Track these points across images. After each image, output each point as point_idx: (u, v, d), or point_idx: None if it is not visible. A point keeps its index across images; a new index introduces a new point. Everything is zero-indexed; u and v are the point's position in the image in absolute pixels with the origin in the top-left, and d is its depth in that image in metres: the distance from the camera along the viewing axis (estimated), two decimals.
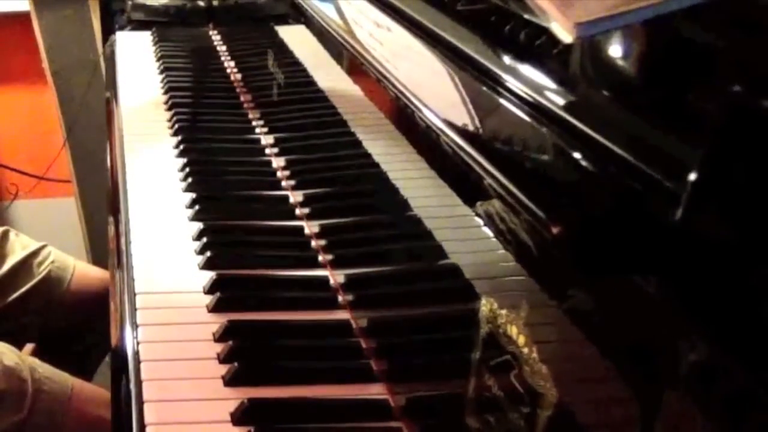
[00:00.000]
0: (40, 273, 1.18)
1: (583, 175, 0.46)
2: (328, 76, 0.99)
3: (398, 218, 0.73)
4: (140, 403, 0.65)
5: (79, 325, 1.20)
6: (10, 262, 1.17)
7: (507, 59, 0.61)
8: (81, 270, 1.23)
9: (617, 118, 0.48)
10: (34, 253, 1.19)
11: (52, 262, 1.20)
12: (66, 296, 1.19)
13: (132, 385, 0.68)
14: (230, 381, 0.68)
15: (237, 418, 0.64)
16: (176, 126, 1.16)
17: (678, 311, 0.35)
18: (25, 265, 1.18)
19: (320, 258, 0.86)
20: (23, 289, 1.16)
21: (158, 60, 1.41)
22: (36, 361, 0.99)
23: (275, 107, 1.18)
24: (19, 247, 1.19)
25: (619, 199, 0.43)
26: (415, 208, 0.68)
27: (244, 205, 0.98)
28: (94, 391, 1.04)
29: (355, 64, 0.84)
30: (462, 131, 0.57)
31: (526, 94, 0.54)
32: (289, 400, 0.67)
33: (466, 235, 0.57)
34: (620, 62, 0.48)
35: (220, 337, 0.73)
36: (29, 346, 1.20)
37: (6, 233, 1.19)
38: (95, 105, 1.67)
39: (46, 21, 1.76)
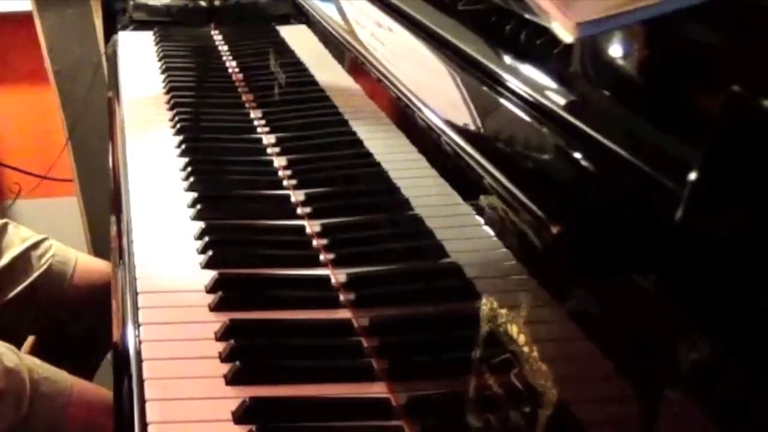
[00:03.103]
0: (42, 266, 1.17)
1: (583, 175, 0.46)
2: (330, 75, 0.99)
3: (399, 217, 0.73)
4: (142, 402, 0.65)
5: (81, 319, 1.19)
6: (9, 255, 1.16)
7: (508, 59, 0.61)
8: (83, 263, 1.22)
9: (617, 118, 0.48)
10: (35, 246, 1.18)
11: (53, 255, 1.18)
12: (68, 290, 1.18)
13: (134, 384, 0.68)
14: (232, 380, 0.68)
15: (238, 416, 0.64)
16: (178, 125, 1.16)
17: (678, 311, 0.35)
18: (25, 257, 1.16)
19: (321, 257, 0.86)
20: (25, 283, 1.15)
21: (160, 60, 1.41)
22: (36, 361, 0.99)
23: (277, 107, 1.18)
24: (18, 240, 1.18)
25: (619, 199, 0.44)
26: (416, 207, 0.69)
27: (246, 204, 0.99)
28: (94, 391, 1.03)
29: (356, 63, 0.84)
30: (462, 131, 0.57)
31: (527, 93, 0.54)
32: (291, 399, 0.67)
33: (467, 234, 0.58)
34: (620, 62, 0.49)
35: (221, 336, 0.73)
36: (30, 339, 1.19)
37: (5, 226, 1.18)
38: (97, 105, 1.67)
39: (49, 21, 1.76)
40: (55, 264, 1.18)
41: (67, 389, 0.98)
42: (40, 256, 1.17)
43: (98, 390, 1.04)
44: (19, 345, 1.03)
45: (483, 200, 0.53)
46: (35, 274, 1.16)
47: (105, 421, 0.97)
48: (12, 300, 1.15)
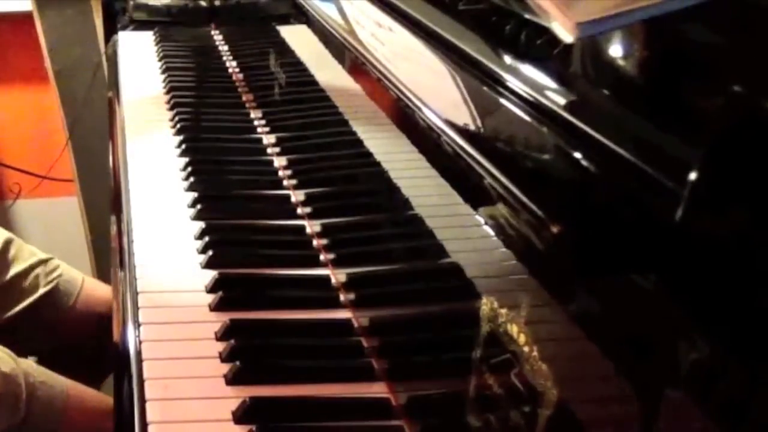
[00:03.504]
0: (48, 284, 1.16)
1: (584, 175, 0.46)
2: (330, 75, 0.99)
3: (399, 217, 0.73)
4: (142, 402, 0.65)
5: (83, 340, 1.19)
6: (16, 269, 1.15)
7: (508, 59, 0.61)
8: (89, 286, 1.21)
9: (618, 118, 0.48)
10: (42, 262, 1.18)
11: (60, 275, 1.18)
12: (72, 310, 1.18)
13: (134, 384, 0.68)
14: (232, 380, 0.68)
15: (238, 416, 0.64)
16: (178, 125, 1.16)
17: (678, 311, 0.36)
18: (32, 273, 1.16)
19: (321, 257, 0.86)
20: (30, 299, 1.15)
21: (160, 60, 1.41)
22: (32, 365, 0.98)
23: (277, 107, 1.18)
24: (27, 253, 1.18)
25: (619, 199, 0.44)
26: (416, 207, 0.69)
27: (246, 204, 0.99)
28: (91, 395, 1.03)
29: (356, 63, 0.84)
30: (462, 131, 0.57)
31: (527, 93, 0.54)
32: (291, 398, 0.67)
33: (467, 234, 0.58)
34: (620, 62, 0.49)
35: (221, 336, 0.74)
36: (31, 360, 1.18)
37: (11, 240, 1.18)
38: (97, 105, 1.67)
39: (49, 21, 1.76)
40: (62, 284, 1.18)
41: (63, 393, 0.98)
42: (48, 274, 1.17)
43: (95, 394, 1.04)
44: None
45: (483, 200, 0.53)
46: (41, 292, 1.16)
47: (102, 425, 0.96)
48: (15, 316, 1.14)
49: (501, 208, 0.50)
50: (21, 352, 1.06)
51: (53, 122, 1.91)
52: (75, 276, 1.21)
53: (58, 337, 1.18)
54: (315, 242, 0.89)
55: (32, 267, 1.16)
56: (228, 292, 0.79)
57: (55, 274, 1.18)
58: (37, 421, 0.94)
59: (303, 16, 1.20)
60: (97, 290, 1.23)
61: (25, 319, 1.14)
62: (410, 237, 0.71)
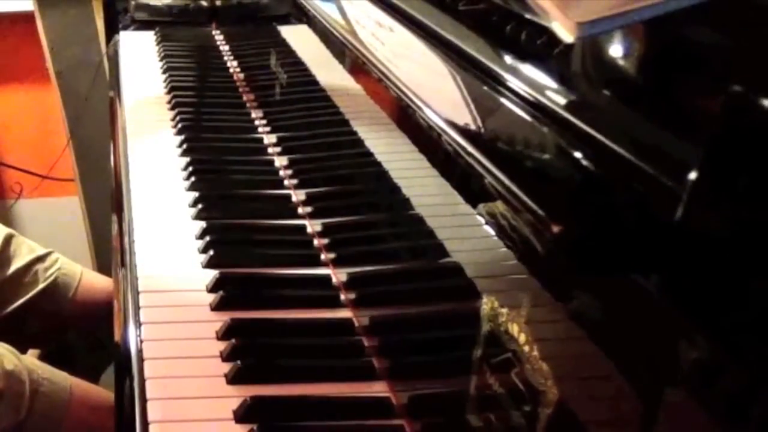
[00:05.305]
0: (47, 279, 1.18)
1: (584, 175, 0.46)
2: (331, 75, 0.99)
3: (400, 217, 0.74)
4: (143, 402, 0.65)
5: (84, 333, 1.20)
6: (16, 265, 1.16)
7: (508, 59, 0.61)
8: (88, 278, 1.23)
9: (618, 118, 0.48)
10: (41, 258, 1.19)
11: (59, 268, 1.19)
12: (72, 303, 1.19)
13: (135, 384, 0.68)
14: (233, 379, 0.68)
15: (239, 415, 0.65)
16: (179, 125, 1.16)
17: (678, 310, 0.36)
18: (31, 269, 1.17)
19: (322, 256, 0.86)
20: (29, 295, 1.16)
21: (161, 59, 1.41)
22: (35, 362, 0.99)
23: (278, 106, 1.18)
24: (26, 250, 1.19)
25: (619, 199, 0.44)
26: (417, 207, 0.69)
27: (247, 203, 0.99)
28: (94, 392, 1.03)
29: (357, 63, 0.84)
30: (463, 130, 0.57)
31: (527, 93, 0.55)
32: (292, 398, 0.67)
33: (468, 233, 0.58)
34: (621, 62, 0.49)
35: (222, 336, 0.74)
36: (33, 353, 1.19)
37: (11, 236, 1.19)
38: (99, 104, 1.68)
39: (50, 21, 1.77)
40: (60, 277, 1.19)
41: (66, 390, 0.98)
42: (47, 269, 1.18)
43: (99, 391, 1.04)
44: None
45: (483, 200, 0.53)
46: (41, 286, 1.17)
47: (105, 422, 0.97)
48: (17, 310, 1.15)
49: (501, 208, 0.50)
50: (23, 344, 1.06)
51: (54, 122, 1.91)
52: (74, 269, 1.22)
53: (58, 329, 1.18)
54: (316, 242, 0.89)
55: (32, 262, 1.18)
56: (229, 292, 0.79)
57: (54, 268, 1.19)
58: (40, 417, 0.94)
59: (304, 16, 1.20)
60: (95, 282, 1.24)
61: (26, 313, 1.16)
62: (411, 237, 0.71)
